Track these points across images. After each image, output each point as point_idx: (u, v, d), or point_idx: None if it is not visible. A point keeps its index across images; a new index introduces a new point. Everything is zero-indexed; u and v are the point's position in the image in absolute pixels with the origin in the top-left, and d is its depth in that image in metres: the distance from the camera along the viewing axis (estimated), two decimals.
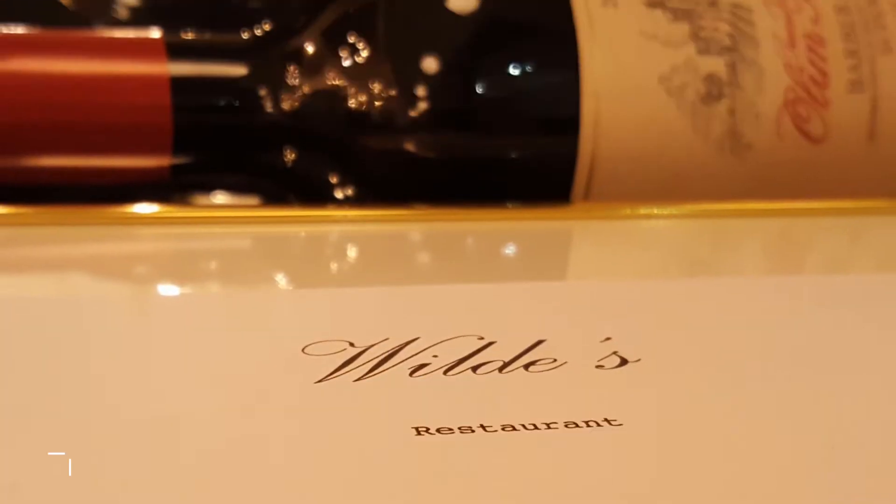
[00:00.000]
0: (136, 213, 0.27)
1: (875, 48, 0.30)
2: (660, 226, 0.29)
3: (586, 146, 0.29)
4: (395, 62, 0.29)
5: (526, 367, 0.19)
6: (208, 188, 0.30)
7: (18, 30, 0.28)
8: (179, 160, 0.29)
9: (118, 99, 0.28)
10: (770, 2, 0.30)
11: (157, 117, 0.28)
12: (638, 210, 0.29)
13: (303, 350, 0.20)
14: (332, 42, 0.29)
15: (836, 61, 0.30)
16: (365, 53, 0.29)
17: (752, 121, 0.30)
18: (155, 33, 0.29)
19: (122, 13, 0.30)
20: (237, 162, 0.30)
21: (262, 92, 0.29)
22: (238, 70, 0.29)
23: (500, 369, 0.19)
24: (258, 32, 0.30)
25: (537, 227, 0.29)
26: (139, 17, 0.30)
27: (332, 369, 0.19)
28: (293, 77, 0.29)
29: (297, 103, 0.29)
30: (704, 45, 0.29)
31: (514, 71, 0.29)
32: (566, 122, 0.29)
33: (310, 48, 0.29)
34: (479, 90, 0.29)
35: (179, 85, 0.28)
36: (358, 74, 0.29)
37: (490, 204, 0.29)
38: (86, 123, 0.28)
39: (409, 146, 0.29)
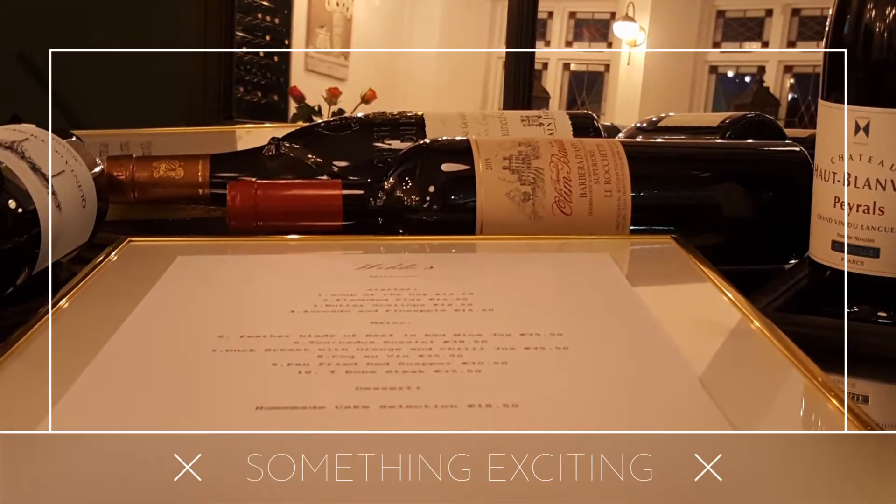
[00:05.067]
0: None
1: (592, 179, 0.73)
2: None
3: (479, 222, 0.74)
4: (420, 187, 0.76)
5: None
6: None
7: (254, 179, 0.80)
8: (346, 223, 0.78)
9: (320, 205, 0.77)
10: (551, 162, 0.73)
11: (336, 210, 0.77)
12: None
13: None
14: (399, 179, 0.77)
15: (575, 185, 0.73)
16: (410, 183, 0.77)
17: (542, 208, 0.72)
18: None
19: (310, 160, 0.81)
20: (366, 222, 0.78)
21: (371, 199, 0.78)
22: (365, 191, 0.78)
23: None
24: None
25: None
26: (321, 167, 0.81)
27: None
28: (381, 194, 0.78)
29: (382, 202, 0.78)
30: (510, 179, 0.74)
31: (453, 199, 0.74)
32: (469, 212, 0.74)
33: (390, 181, 0.78)
34: (439, 204, 0.76)
35: (347, 198, 0.77)
36: (404, 191, 0.77)
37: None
38: (303, 213, 0.77)
39: (419, 217, 0.75)
